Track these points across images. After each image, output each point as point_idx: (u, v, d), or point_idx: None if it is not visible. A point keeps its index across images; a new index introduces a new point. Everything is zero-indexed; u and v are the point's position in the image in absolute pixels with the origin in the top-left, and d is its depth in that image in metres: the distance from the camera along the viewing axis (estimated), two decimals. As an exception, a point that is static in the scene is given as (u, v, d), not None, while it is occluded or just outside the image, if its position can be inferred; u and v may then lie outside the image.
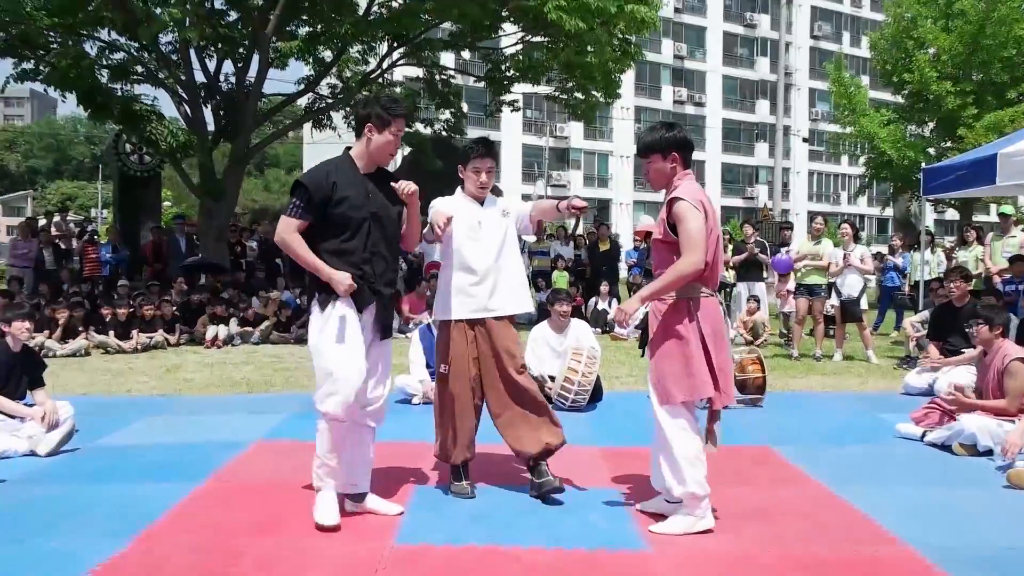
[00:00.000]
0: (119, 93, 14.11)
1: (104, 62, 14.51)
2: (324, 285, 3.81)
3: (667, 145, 3.79)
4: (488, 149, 4.41)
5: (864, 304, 10.01)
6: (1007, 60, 20.72)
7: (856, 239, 10.35)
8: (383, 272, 3.93)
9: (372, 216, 3.85)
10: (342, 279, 3.77)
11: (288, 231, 3.80)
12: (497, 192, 4.23)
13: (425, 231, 4.26)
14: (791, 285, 10.91)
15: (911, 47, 22.03)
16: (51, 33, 13.67)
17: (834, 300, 10.13)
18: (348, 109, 16.78)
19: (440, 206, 4.30)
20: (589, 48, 14.13)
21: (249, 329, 11.79)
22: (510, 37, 16.51)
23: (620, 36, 15.12)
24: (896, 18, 23.18)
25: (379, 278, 3.91)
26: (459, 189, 4.45)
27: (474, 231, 4.30)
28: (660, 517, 3.84)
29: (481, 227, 4.30)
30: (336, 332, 3.77)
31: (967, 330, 5.99)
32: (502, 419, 4.31)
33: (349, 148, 4.00)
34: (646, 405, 3.92)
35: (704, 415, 3.87)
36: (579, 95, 16.33)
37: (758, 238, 13.23)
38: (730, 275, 14.54)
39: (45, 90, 14.26)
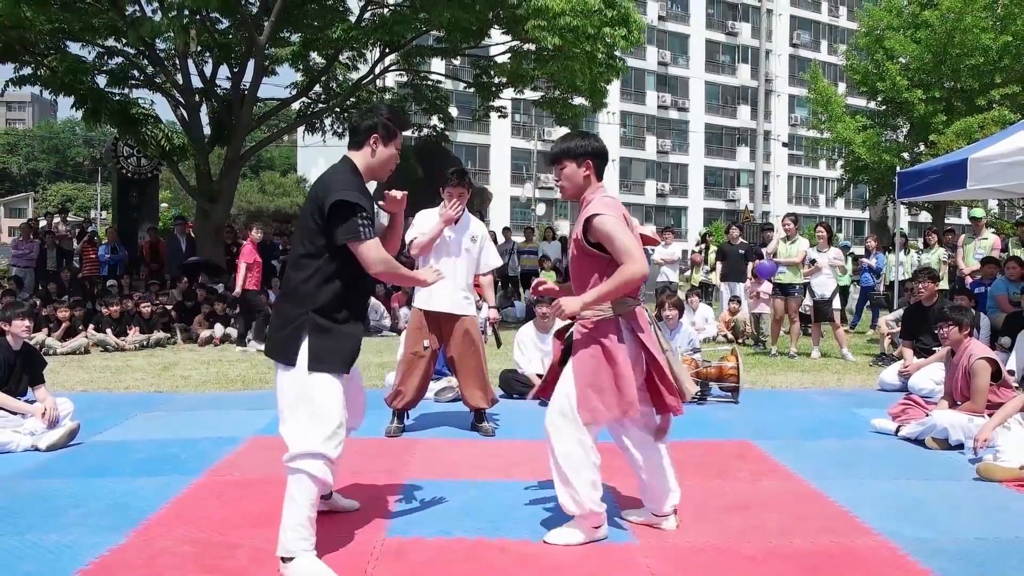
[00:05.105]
0: (116, 97, 14.02)
1: (102, 67, 14.41)
2: (331, 310, 3.26)
3: (583, 153, 3.51)
4: (460, 179, 5.28)
5: (837, 304, 10.05)
6: (974, 68, 20.80)
7: (831, 241, 10.43)
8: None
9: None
10: (428, 275, 3.53)
11: (381, 252, 3.26)
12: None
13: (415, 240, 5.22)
14: (767, 287, 10.95)
15: (881, 58, 22.14)
16: (49, 38, 13.56)
17: (808, 300, 10.20)
18: (336, 114, 16.74)
19: (421, 218, 5.35)
20: (573, 63, 14.14)
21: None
22: (499, 46, 16.50)
23: (604, 52, 15.15)
24: (868, 29, 23.30)
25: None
26: (441, 204, 5.31)
27: (443, 243, 5.28)
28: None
29: (448, 242, 5.29)
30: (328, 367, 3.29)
31: (936, 331, 6.02)
32: (460, 374, 5.50)
33: (347, 157, 3.43)
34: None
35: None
36: (566, 101, 16.34)
37: (743, 240, 13.26)
38: (713, 276, 14.55)
39: (41, 93, 14.16)
